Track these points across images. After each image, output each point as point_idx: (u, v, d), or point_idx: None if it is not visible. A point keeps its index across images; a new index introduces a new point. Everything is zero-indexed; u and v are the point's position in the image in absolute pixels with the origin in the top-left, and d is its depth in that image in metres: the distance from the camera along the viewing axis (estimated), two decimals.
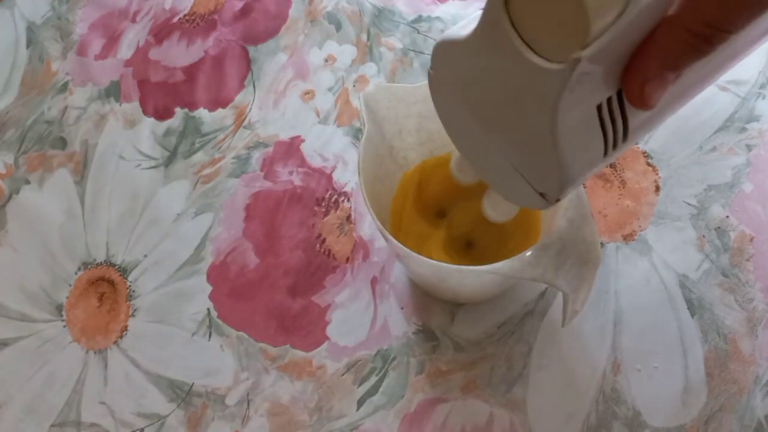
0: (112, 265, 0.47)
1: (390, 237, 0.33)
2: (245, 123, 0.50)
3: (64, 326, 0.45)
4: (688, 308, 0.41)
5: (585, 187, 0.44)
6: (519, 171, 0.27)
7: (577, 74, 0.21)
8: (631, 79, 0.22)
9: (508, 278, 0.36)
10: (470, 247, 0.40)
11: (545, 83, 0.22)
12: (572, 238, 0.31)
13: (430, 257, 0.34)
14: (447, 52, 0.26)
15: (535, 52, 0.22)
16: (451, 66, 0.27)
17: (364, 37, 0.52)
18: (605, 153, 0.24)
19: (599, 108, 0.23)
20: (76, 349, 0.45)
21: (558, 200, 0.26)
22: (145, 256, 0.46)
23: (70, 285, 0.47)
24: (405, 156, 0.40)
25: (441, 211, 0.41)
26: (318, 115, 0.49)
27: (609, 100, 0.23)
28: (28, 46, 0.57)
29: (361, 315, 0.43)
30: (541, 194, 0.26)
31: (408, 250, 0.33)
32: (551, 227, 0.33)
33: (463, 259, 0.40)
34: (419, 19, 0.52)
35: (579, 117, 0.23)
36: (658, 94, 0.22)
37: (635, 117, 0.24)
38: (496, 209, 0.33)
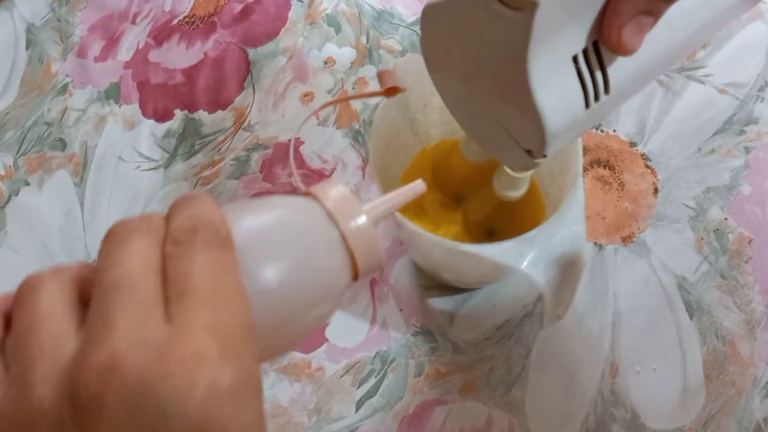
0: None
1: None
2: (245, 125, 0.50)
3: None
4: (686, 310, 0.41)
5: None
6: (504, 128, 0.27)
7: (539, 21, 0.21)
8: (608, 24, 0.23)
9: (494, 263, 0.37)
10: (491, 235, 0.41)
11: (513, 33, 0.23)
12: (559, 236, 0.31)
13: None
14: (431, 16, 0.27)
15: (501, 2, 0.23)
16: (436, 29, 0.27)
17: (363, 39, 0.52)
18: (587, 105, 0.25)
19: (575, 59, 0.24)
20: None
21: (545, 156, 0.26)
22: None
23: None
24: (426, 131, 0.40)
25: (458, 195, 0.41)
26: (317, 117, 0.49)
27: (585, 51, 0.24)
28: (27, 48, 0.57)
29: (360, 317, 0.43)
30: (528, 151, 0.27)
31: (402, 216, 0.33)
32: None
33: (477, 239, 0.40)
34: (418, 21, 0.52)
35: (554, 67, 0.23)
36: (635, 38, 0.23)
37: (616, 69, 0.24)
38: (505, 184, 0.33)
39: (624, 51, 0.23)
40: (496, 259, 0.31)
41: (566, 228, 0.32)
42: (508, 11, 0.22)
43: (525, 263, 0.31)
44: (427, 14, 0.27)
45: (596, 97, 0.25)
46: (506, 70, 0.24)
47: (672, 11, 0.23)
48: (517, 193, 0.33)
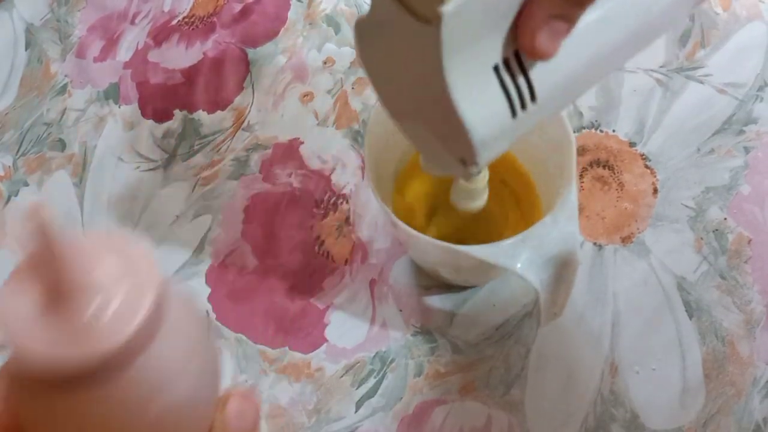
0: None
1: (385, 206, 0.34)
2: (244, 125, 0.50)
3: None
4: (686, 310, 0.41)
5: (583, 188, 0.44)
6: (437, 139, 0.27)
7: (449, 33, 0.21)
8: (522, 29, 0.23)
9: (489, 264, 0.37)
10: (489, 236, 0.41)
11: (427, 45, 0.22)
12: (553, 237, 0.31)
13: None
14: (362, 30, 0.27)
15: (412, 15, 0.23)
16: (367, 42, 0.27)
17: None
18: (513, 114, 0.25)
19: (496, 69, 0.24)
20: None
21: (478, 166, 0.26)
22: None
23: None
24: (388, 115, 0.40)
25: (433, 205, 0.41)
26: (317, 117, 0.49)
27: (507, 60, 0.24)
28: (26, 48, 0.57)
29: (360, 317, 0.43)
30: (461, 160, 0.27)
31: (395, 217, 0.33)
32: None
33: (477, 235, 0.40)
34: None
35: (475, 78, 0.23)
36: (550, 42, 0.23)
37: (540, 77, 0.24)
38: (460, 195, 0.33)
39: (540, 56, 0.23)
40: (491, 260, 0.31)
41: (560, 228, 0.32)
42: (419, 25, 0.22)
43: (519, 264, 0.31)
44: (358, 28, 0.27)
45: (523, 106, 0.25)
46: (428, 83, 0.24)
47: (595, 15, 0.23)
48: (474, 204, 0.33)
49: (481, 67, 0.23)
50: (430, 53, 0.23)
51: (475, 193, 0.33)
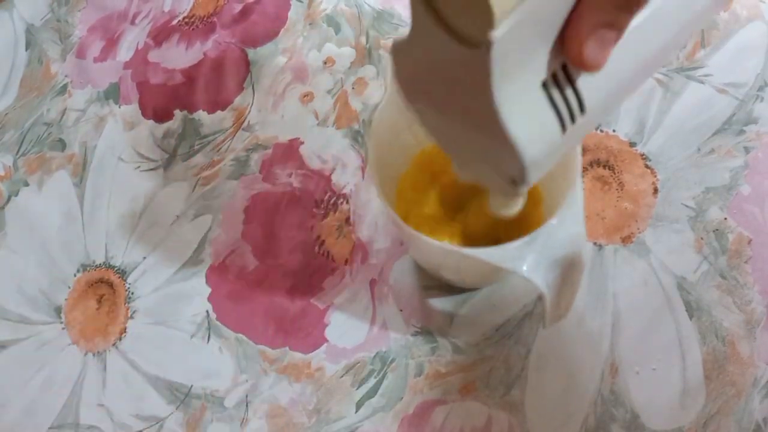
0: (111, 267, 0.47)
1: (387, 205, 0.33)
2: (244, 125, 0.50)
3: (63, 328, 0.45)
4: (686, 310, 0.41)
5: (583, 188, 0.44)
6: (485, 160, 0.27)
7: (497, 56, 0.21)
8: (569, 41, 0.22)
9: (495, 266, 0.37)
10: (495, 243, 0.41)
11: (475, 69, 0.22)
12: (559, 238, 0.31)
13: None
14: (400, 52, 0.27)
15: (458, 40, 0.22)
16: (406, 64, 0.27)
17: (363, 39, 0.52)
18: (563, 129, 0.24)
19: (545, 85, 0.23)
20: (75, 351, 0.45)
21: (528, 184, 0.26)
22: (144, 258, 0.46)
23: (69, 287, 0.47)
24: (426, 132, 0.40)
25: (458, 205, 0.41)
26: (317, 117, 0.49)
27: (554, 75, 0.23)
28: (27, 48, 0.57)
29: (360, 317, 0.43)
30: (511, 180, 0.26)
31: (400, 219, 0.33)
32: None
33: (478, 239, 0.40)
34: None
35: (523, 97, 0.23)
36: (600, 53, 0.22)
37: (589, 87, 0.24)
38: (499, 204, 0.33)
39: (589, 67, 0.23)
40: (497, 263, 0.31)
41: (566, 230, 0.31)
42: (466, 49, 0.22)
43: (525, 266, 0.31)
44: (396, 49, 0.27)
45: (572, 119, 0.24)
46: (475, 107, 0.24)
47: (640, 21, 0.23)
48: (511, 211, 0.33)
49: (529, 86, 0.23)
50: (477, 77, 0.22)
51: (513, 201, 0.33)
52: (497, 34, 0.20)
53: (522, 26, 0.21)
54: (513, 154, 0.24)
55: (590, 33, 0.22)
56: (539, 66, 0.23)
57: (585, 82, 0.24)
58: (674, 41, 0.26)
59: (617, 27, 0.22)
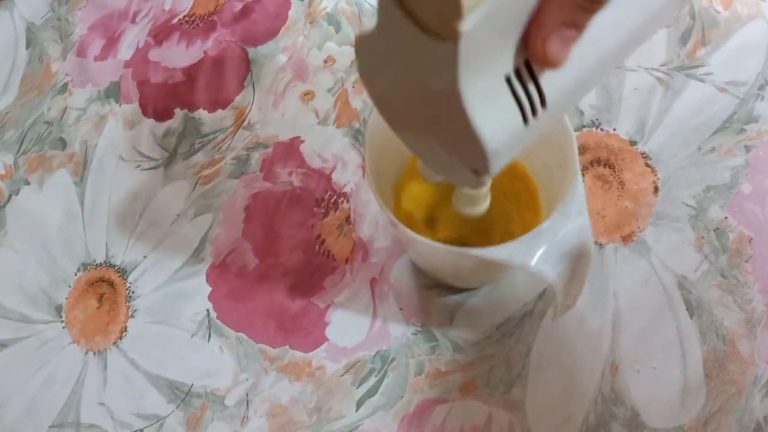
0: (112, 266, 0.47)
1: (386, 208, 0.34)
2: (245, 124, 0.50)
3: (64, 327, 0.45)
4: (686, 309, 0.41)
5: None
6: (449, 151, 0.27)
7: (465, 48, 0.21)
8: (532, 38, 0.23)
9: (495, 266, 0.36)
10: (491, 239, 0.41)
11: (441, 60, 0.22)
12: (566, 231, 0.31)
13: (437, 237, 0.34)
14: (364, 47, 0.27)
15: (425, 31, 0.22)
16: (370, 59, 0.27)
17: None
18: (525, 122, 0.25)
19: (508, 79, 0.24)
20: (76, 350, 0.45)
21: (489, 175, 0.26)
22: (145, 256, 0.46)
23: (70, 286, 0.47)
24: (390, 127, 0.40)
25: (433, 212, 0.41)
26: (317, 116, 0.49)
27: (518, 70, 0.24)
28: (27, 47, 0.57)
29: (361, 316, 0.43)
30: (474, 171, 0.27)
31: (401, 224, 0.33)
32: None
33: (476, 238, 0.40)
34: None
35: (488, 89, 0.23)
36: (561, 50, 0.23)
37: (551, 83, 0.24)
38: (464, 201, 0.33)
39: (552, 64, 0.23)
40: (505, 260, 0.31)
41: (571, 222, 0.32)
42: (433, 42, 0.22)
43: (534, 260, 0.31)
44: (359, 44, 0.27)
45: (534, 113, 0.25)
46: (441, 98, 0.24)
47: (600, 19, 0.23)
48: (477, 210, 0.33)
49: (493, 79, 0.23)
50: (443, 68, 0.23)
51: (478, 199, 0.33)
52: (465, 26, 0.21)
53: (488, 20, 0.21)
54: (476, 144, 0.24)
55: (552, 31, 0.22)
56: (504, 61, 0.23)
57: (547, 78, 0.24)
58: (634, 39, 0.26)
59: (578, 26, 0.23)
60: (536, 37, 0.23)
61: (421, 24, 0.23)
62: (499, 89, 0.24)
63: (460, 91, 0.23)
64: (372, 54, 0.27)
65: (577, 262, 0.32)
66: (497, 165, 0.26)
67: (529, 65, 0.24)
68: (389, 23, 0.24)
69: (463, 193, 0.33)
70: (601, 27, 0.23)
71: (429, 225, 0.42)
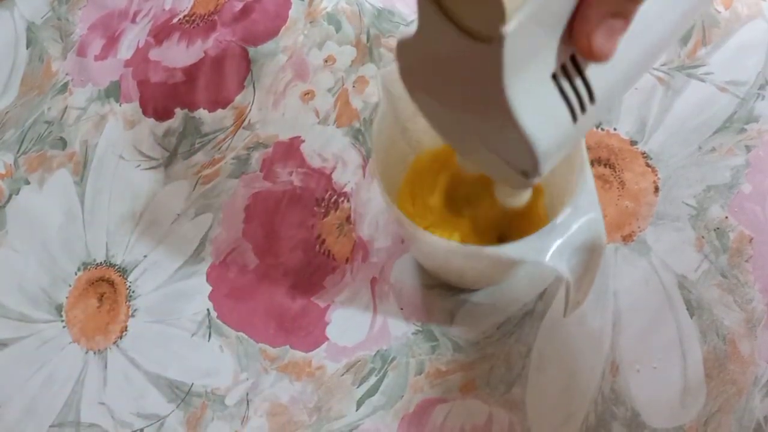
0: (112, 265, 0.47)
1: (397, 210, 0.34)
2: (245, 123, 0.50)
3: (64, 327, 0.45)
4: (686, 309, 0.41)
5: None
6: (496, 153, 0.27)
7: (509, 50, 0.21)
8: (578, 33, 0.22)
9: (513, 262, 0.36)
10: (500, 239, 0.41)
11: (485, 63, 0.22)
12: (578, 225, 0.31)
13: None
14: (405, 50, 0.27)
15: (468, 35, 0.22)
16: (413, 62, 0.27)
17: (363, 38, 0.52)
18: (574, 119, 0.24)
19: (555, 76, 0.23)
20: (76, 349, 0.45)
21: (540, 176, 0.26)
22: (145, 256, 0.46)
23: (70, 285, 0.47)
24: (418, 139, 0.40)
25: (465, 200, 0.41)
26: (317, 115, 0.49)
27: (564, 66, 0.23)
28: (27, 47, 0.57)
29: (361, 315, 0.43)
30: (523, 172, 0.27)
31: (414, 224, 0.33)
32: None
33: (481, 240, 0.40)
34: None
35: (534, 89, 0.23)
36: (608, 43, 0.22)
37: (598, 77, 0.24)
38: (507, 193, 0.33)
39: (599, 57, 0.23)
40: (519, 257, 0.32)
41: (583, 216, 0.32)
42: (477, 44, 0.22)
43: (548, 256, 0.31)
44: (402, 48, 0.27)
45: (582, 109, 0.24)
46: (486, 100, 0.24)
47: (645, 8, 0.23)
48: (521, 201, 0.33)
49: (539, 79, 0.23)
50: (487, 71, 0.22)
51: (523, 191, 0.33)
52: (509, 28, 0.20)
53: (532, 20, 0.21)
54: (525, 147, 0.24)
55: (599, 23, 0.22)
56: (549, 58, 0.23)
57: (594, 71, 0.24)
58: (678, 26, 0.26)
59: (624, 16, 0.22)
60: (582, 30, 0.22)
61: (463, 27, 0.22)
62: (546, 88, 0.23)
63: (506, 93, 0.22)
64: (414, 59, 0.27)
65: (589, 256, 0.32)
66: (547, 166, 0.25)
67: (574, 60, 0.23)
68: (430, 27, 0.24)
69: (507, 187, 0.33)
70: (645, 17, 0.23)
71: (440, 223, 0.41)
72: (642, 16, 0.23)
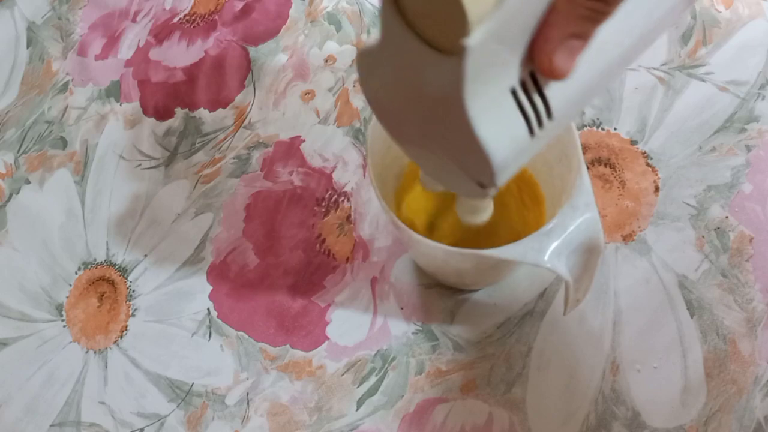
0: (113, 264, 0.47)
1: (393, 215, 0.34)
2: (245, 123, 0.50)
3: (64, 326, 0.45)
4: (687, 308, 0.41)
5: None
6: (454, 163, 0.27)
7: (471, 63, 0.21)
8: (538, 52, 0.23)
9: (511, 263, 0.36)
10: (496, 235, 0.41)
11: (446, 75, 0.22)
12: (575, 226, 0.32)
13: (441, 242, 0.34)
14: (366, 61, 0.27)
15: (430, 46, 0.22)
16: (373, 72, 0.27)
17: (364, 37, 0.52)
18: (531, 134, 0.25)
19: (514, 92, 0.24)
20: (76, 348, 0.45)
21: (496, 187, 0.26)
22: (146, 255, 0.46)
23: (71, 285, 0.47)
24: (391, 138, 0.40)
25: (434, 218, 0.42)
26: (318, 115, 0.49)
27: (523, 82, 0.24)
28: (28, 46, 0.57)
29: (361, 315, 0.43)
30: (480, 183, 0.27)
31: (408, 229, 0.33)
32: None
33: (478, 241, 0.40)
34: None
35: (493, 103, 0.23)
36: (567, 62, 0.23)
37: (556, 93, 0.24)
38: (467, 210, 0.33)
39: (558, 76, 0.23)
40: (518, 259, 0.32)
41: (580, 216, 0.32)
42: (439, 56, 0.22)
43: (547, 257, 0.31)
44: (362, 57, 0.27)
45: (540, 124, 0.25)
46: (446, 111, 0.24)
47: (605, 28, 0.23)
48: (480, 218, 0.33)
49: (498, 93, 0.23)
50: (448, 82, 0.22)
51: (481, 208, 0.33)
52: (472, 42, 0.21)
53: (494, 35, 0.21)
54: (482, 158, 0.24)
55: (559, 43, 0.22)
56: (509, 73, 0.23)
57: (552, 88, 0.24)
58: (638, 45, 0.26)
59: (584, 36, 0.23)
60: (542, 50, 0.23)
61: (426, 39, 0.22)
62: (505, 102, 0.24)
63: (465, 104, 0.23)
64: (375, 67, 0.27)
65: (587, 256, 0.32)
66: (503, 177, 0.26)
67: (534, 77, 0.24)
68: (392, 37, 0.24)
69: (467, 203, 0.33)
70: (605, 35, 0.23)
71: (429, 231, 0.42)
72: (601, 34, 0.23)
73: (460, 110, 0.23)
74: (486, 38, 0.21)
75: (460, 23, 0.20)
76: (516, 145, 0.25)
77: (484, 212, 0.33)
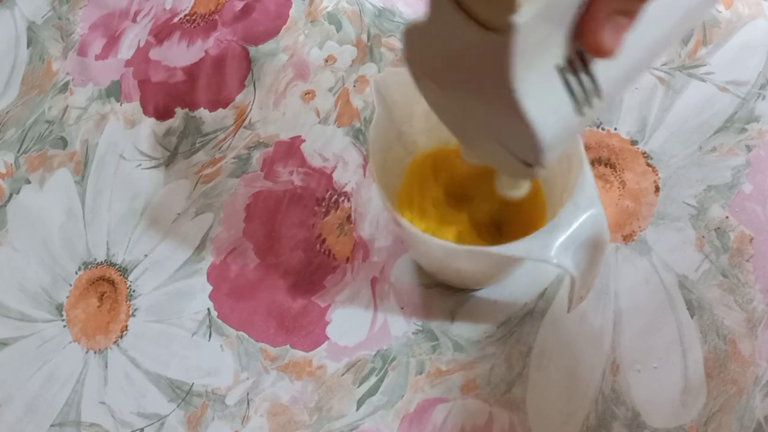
0: (113, 264, 0.47)
1: (397, 215, 0.34)
2: (246, 123, 0.50)
3: (65, 326, 0.45)
4: (687, 309, 0.41)
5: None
6: (500, 143, 0.27)
7: (519, 40, 0.21)
8: (585, 29, 0.23)
9: (516, 260, 0.36)
10: (498, 230, 0.41)
11: (495, 53, 0.22)
12: (579, 221, 0.32)
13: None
14: (413, 37, 0.27)
15: (478, 24, 0.22)
16: (420, 49, 0.27)
17: (364, 37, 0.52)
18: (580, 112, 0.25)
19: (561, 70, 0.24)
20: (76, 348, 0.45)
21: (543, 167, 0.26)
22: (146, 255, 0.46)
23: (71, 285, 0.47)
24: (414, 141, 0.40)
25: (463, 196, 0.41)
26: (318, 115, 0.49)
27: (571, 60, 0.24)
28: (28, 46, 0.57)
29: (361, 315, 0.43)
30: (525, 163, 0.27)
31: (413, 226, 0.33)
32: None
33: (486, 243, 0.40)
34: None
35: (541, 81, 0.23)
36: (614, 40, 0.23)
37: (604, 71, 0.24)
38: (507, 184, 0.33)
39: (605, 53, 0.23)
40: (524, 256, 0.32)
41: (584, 212, 0.32)
42: (488, 34, 0.22)
43: (552, 253, 0.31)
44: (409, 34, 0.27)
45: (588, 103, 0.25)
46: (493, 90, 0.24)
47: (650, 5, 0.23)
48: (520, 192, 0.33)
49: (546, 71, 0.23)
50: (496, 61, 0.22)
51: (523, 182, 0.33)
52: (520, 19, 0.21)
53: (542, 13, 0.21)
54: (530, 138, 0.24)
55: (606, 21, 0.22)
56: (556, 52, 0.23)
57: (600, 67, 0.24)
58: (680, 26, 0.26)
59: (631, 14, 0.23)
60: (589, 27, 0.23)
61: (474, 16, 0.22)
62: (552, 81, 0.24)
63: (514, 83, 0.23)
64: (421, 44, 0.27)
65: (593, 251, 0.32)
66: (551, 157, 0.26)
67: (581, 55, 0.24)
68: (440, 15, 0.24)
69: (506, 177, 0.33)
70: (651, 14, 0.23)
71: (438, 224, 0.41)
72: (646, 14, 0.23)
73: (508, 89, 0.23)
74: (534, 15, 0.21)
75: (508, 0, 0.20)
76: (564, 125, 0.25)
77: (524, 186, 0.33)
